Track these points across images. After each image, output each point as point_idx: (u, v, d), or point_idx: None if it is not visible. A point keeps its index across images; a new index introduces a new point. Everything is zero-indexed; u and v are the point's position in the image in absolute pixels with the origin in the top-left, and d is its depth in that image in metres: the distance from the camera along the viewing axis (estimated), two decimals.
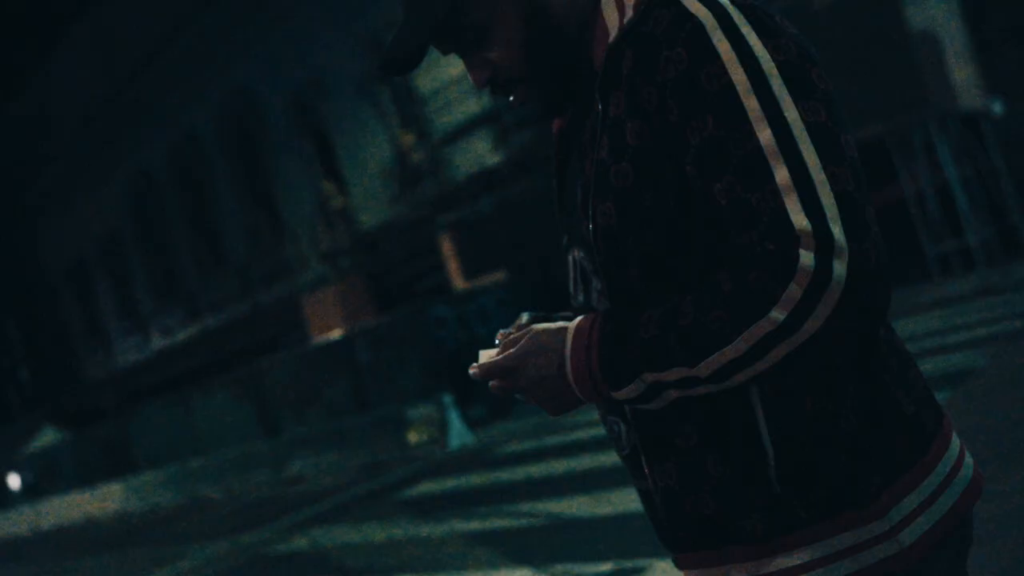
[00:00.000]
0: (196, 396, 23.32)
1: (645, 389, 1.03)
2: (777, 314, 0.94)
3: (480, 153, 20.87)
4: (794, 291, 0.94)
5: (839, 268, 0.93)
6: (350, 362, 17.96)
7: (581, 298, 1.19)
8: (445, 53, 1.18)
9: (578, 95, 1.18)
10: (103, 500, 22.26)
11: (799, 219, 0.95)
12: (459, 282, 19.92)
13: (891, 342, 1.11)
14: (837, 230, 0.94)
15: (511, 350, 1.09)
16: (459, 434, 12.72)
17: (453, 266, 20.46)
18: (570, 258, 1.21)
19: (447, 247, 20.72)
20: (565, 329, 1.08)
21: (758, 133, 0.97)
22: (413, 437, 13.79)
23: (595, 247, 1.09)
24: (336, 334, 20.97)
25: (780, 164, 0.96)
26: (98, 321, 35.86)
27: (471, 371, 1.14)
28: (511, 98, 1.18)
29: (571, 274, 1.21)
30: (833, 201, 0.95)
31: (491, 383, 1.12)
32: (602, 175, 1.08)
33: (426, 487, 9.92)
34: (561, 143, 1.25)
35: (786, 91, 0.99)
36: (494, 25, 1.11)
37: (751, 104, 0.98)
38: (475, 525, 6.98)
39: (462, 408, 13.33)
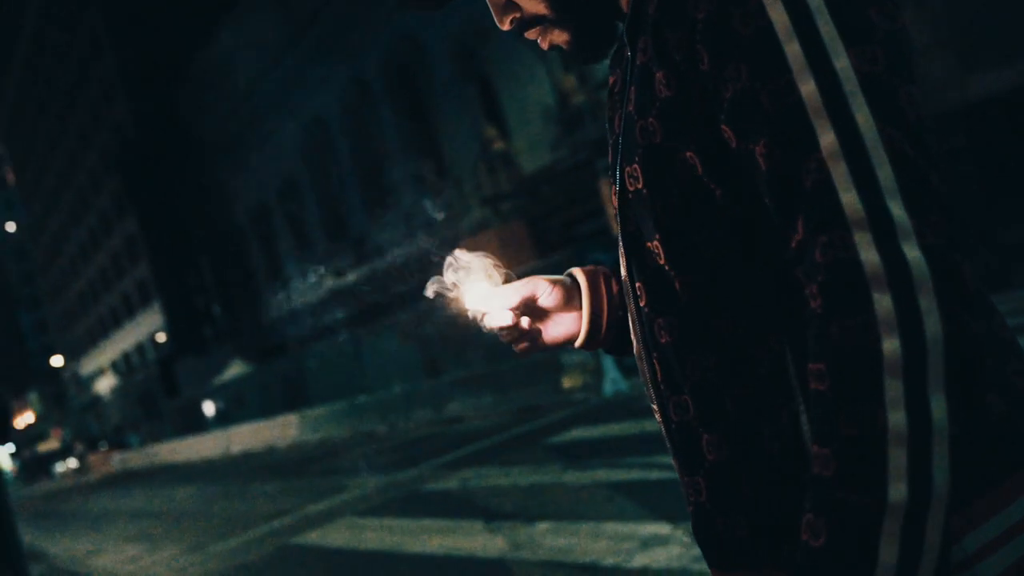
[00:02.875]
0: (364, 335, 24.38)
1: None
2: (889, 344, 0.72)
3: None
4: (883, 302, 0.73)
5: (911, 252, 0.73)
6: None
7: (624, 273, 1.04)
8: None
9: (615, 39, 1.03)
10: (282, 429, 23.81)
11: (849, 198, 0.75)
12: (617, 227, 19.67)
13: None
14: (895, 206, 0.74)
15: None
16: (613, 381, 12.64)
17: (612, 211, 20.23)
18: None
19: (606, 191, 20.45)
20: None
21: (800, 86, 0.78)
22: (567, 382, 13.83)
23: (618, 214, 0.94)
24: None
25: (826, 125, 0.77)
26: (278, 262, 38.00)
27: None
28: (539, 40, 1.03)
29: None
30: (890, 170, 0.75)
31: None
32: (629, 133, 0.92)
33: (576, 433, 9.92)
34: (611, 97, 1.09)
35: (836, 33, 0.78)
36: None
37: (792, 50, 0.78)
38: (620, 475, 6.90)
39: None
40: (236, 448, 26.53)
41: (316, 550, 7.67)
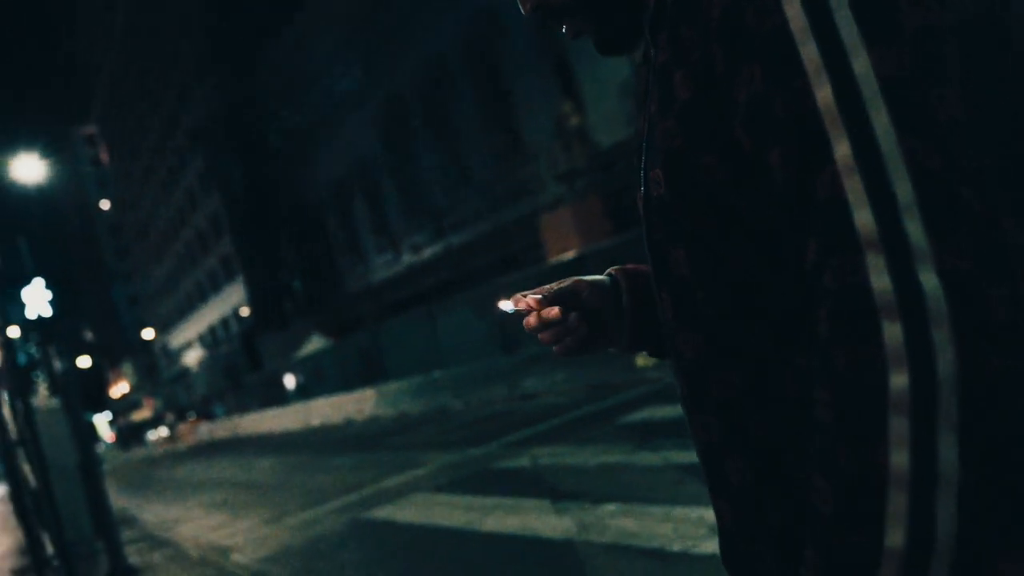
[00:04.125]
0: (440, 311, 24.60)
1: None
2: (897, 380, 0.66)
3: None
4: (892, 333, 0.66)
5: (927, 278, 0.65)
6: None
7: None
8: None
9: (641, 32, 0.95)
10: (359, 403, 24.26)
11: (862, 216, 0.68)
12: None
13: None
14: (913, 225, 0.66)
15: None
16: None
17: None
18: None
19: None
20: None
21: (815, 91, 0.70)
22: (641, 361, 13.69)
23: (643, 220, 0.89)
24: (570, 255, 21.15)
25: (840, 134, 0.69)
26: (356, 238, 38.59)
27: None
28: (565, 29, 0.97)
29: None
30: (909, 186, 0.67)
31: None
32: (652, 135, 0.86)
33: (647, 412, 9.81)
34: (638, 96, 1.03)
35: (857, 32, 0.70)
36: None
37: (808, 51, 0.71)
38: (692, 457, 6.73)
39: None
40: (315, 421, 27.17)
41: (388, 525, 7.78)
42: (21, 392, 5.55)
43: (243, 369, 50.78)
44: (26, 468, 6.76)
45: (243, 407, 45.48)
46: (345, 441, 18.63)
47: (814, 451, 0.72)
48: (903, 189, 0.67)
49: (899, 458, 0.66)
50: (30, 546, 5.96)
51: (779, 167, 0.73)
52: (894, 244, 0.67)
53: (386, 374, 25.92)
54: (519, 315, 1.07)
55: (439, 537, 6.80)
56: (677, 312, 0.87)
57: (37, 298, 10.79)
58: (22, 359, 15.69)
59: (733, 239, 0.81)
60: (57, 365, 9.02)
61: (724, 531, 0.89)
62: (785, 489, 0.81)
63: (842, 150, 0.69)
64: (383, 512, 8.39)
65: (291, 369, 38.41)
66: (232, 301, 55.75)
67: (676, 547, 4.68)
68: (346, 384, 29.01)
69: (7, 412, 7.88)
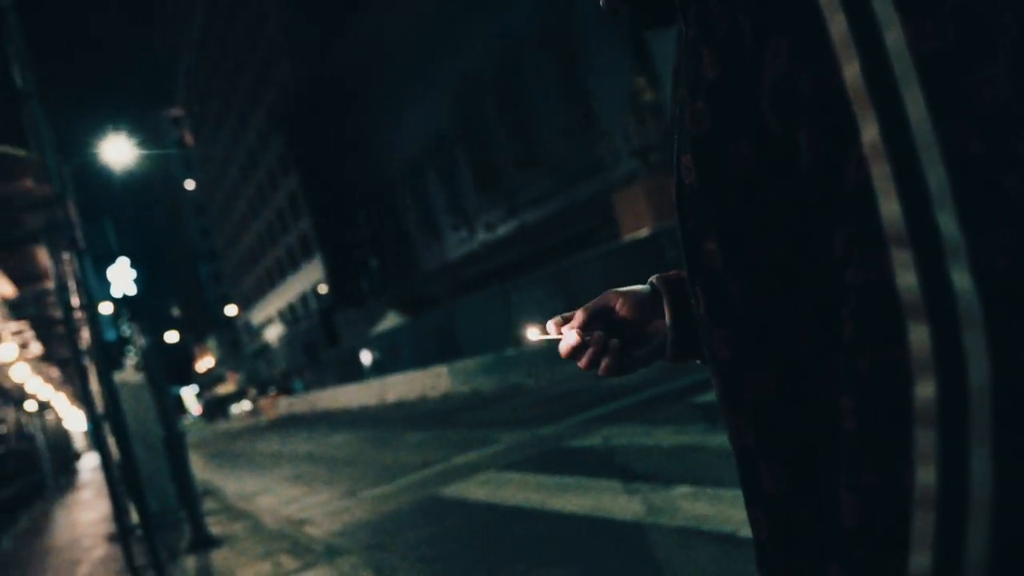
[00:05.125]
0: (513, 289, 24.63)
1: None
2: (923, 389, 0.59)
3: None
4: (919, 337, 0.59)
5: (959, 276, 0.58)
6: (658, 260, 17.86)
7: None
8: None
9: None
10: (433, 380, 24.52)
11: (889, 207, 0.60)
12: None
13: None
14: (945, 218, 0.59)
15: None
16: None
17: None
18: None
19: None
20: None
21: (843, 67, 0.63)
22: None
23: (676, 209, 0.82)
24: (644, 232, 20.90)
25: (869, 115, 0.62)
26: (431, 216, 38.87)
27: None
28: (600, 2, 0.90)
29: None
30: (943, 173, 0.59)
31: None
32: (682, 117, 0.80)
33: None
34: (674, 76, 0.95)
35: (891, 1, 0.62)
36: None
37: (836, 22, 0.63)
38: None
39: None
40: (390, 397, 27.58)
41: (458, 502, 7.83)
42: (105, 367, 5.73)
43: (321, 345, 51.87)
44: (111, 441, 7.01)
45: (321, 382, 46.50)
46: (419, 417, 18.86)
47: (841, 461, 0.66)
48: (936, 177, 0.60)
49: (926, 475, 0.59)
50: (116, 515, 6.18)
51: (806, 152, 0.66)
52: (923, 238, 0.60)
53: (460, 351, 26.12)
54: (550, 344, 1.03)
55: (508, 516, 6.81)
56: (710, 308, 0.81)
57: (122, 277, 11.15)
58: (112, 335, 16.31)
59: (766, 231, 0.73)
60: (142, 341, 9.31)
61: (759, 542, 0.82)
62: (821, 500, 0.74)
63: (870, 133, 0.62)
64: (454, 489, 8.45)
65: (367, 345, 39.05)
66: (311, 278, 56.89)
67: (748, 533, 4.57)
68: (420, 361, 29.35)
69: (95, 387, 8.18)
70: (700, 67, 0.76)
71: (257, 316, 75.83)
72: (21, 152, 5.72)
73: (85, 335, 8.48)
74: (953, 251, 0.59)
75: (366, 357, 39.08)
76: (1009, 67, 0.61)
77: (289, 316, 64.75)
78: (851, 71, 0.63)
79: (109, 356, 7.02)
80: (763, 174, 0.72)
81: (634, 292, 1.02)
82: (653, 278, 1.03)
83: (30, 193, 5.91)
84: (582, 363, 0.99)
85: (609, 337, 0.99)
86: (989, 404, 0.57)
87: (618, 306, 1.01)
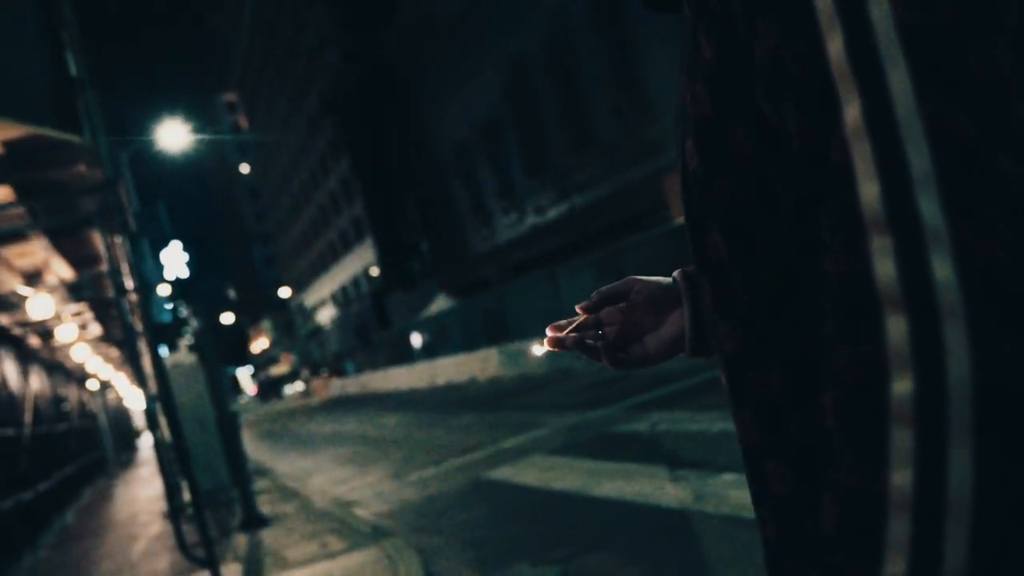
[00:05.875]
0: (563, 272, 24.56)
1: None
2: (900, 385, 0.55)
3: None
4: (896, 330, 0.55)
5: (940, 265, 0.53)
6: None
7: None
8: None
9: None
10: (482, 363, 24.60)
11: (869, 190, 0.56)
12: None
13: None
14: (928, 202, 0.54)
15: None
16: None
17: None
18: None
19: None
20: None
21: (827, 41, 0.58)
22: None
23: (682, 197, 0.79)
24: None
25: (852, 93, 0.57)
26: (481, 199, 38.89)
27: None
28: None
29: None
30: (927, 154, 0.54)
31: None
32: (684, 102, 0.76)
33: None
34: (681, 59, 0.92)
35: None
36: None
37: None
38: None
39: None
40: (440, 379, 27.76)
41: (505, 486, 7.84)
42: (155, 349, 5.85)
43: (372, 327, 52.42)
44: (163, 421, 7.16)
45: (372, 364, 47.02)
46: (468, 400, 18.95)
47: (826, 461, 0.63)
48: (919, 158, 0.56)
49: (902, 477, 0.55)
50: (167, 494, 6.31)
51: (796, 136, 0.62)
52: (903, 224, 0.55)
53: (509, 334, 26.16)
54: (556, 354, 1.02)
55: (554, 500, 6.79)
56: (715, 300, 0.77)
57: (176, 260, 11.36)
58: (168, 317, 16.67)
59: (767, 219, 0.69)
60: (194, 323, 9.48)
61: (766, 542, 0.78)
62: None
63: (852, 112, 0.57)
64: (501, 473, 8.47)
65: (418, 328, 39.35)
66: (362, 261, 57.45)
67: None
68: (470, 344, 29.47)
69: (149, 368, 8.34)
70: (699, 48, 0.72)
71: (310, 298, 76.88)
72: (75, 138, 5.83)
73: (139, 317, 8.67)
74: (935, 238, 0.55)
75: (416, 340, 39.39)
76: (1007, 41, 0.57)
77: (341, 298, 65.51)
78: (835, 46, 0.59)
79: (159, 338, 7.15)
80: (761, 161, 0.68)
81: (654, 283, 0.99)
82: (677, 272, 0.99)
83: (84, 178, 6.03)
84: (589, 354, 0.99)
85: (598, 329, 0.99)
86: (969, 402, 0.53)
87: (633, 293, 0.98)
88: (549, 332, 1.00)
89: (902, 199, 0.56)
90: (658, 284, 0.98)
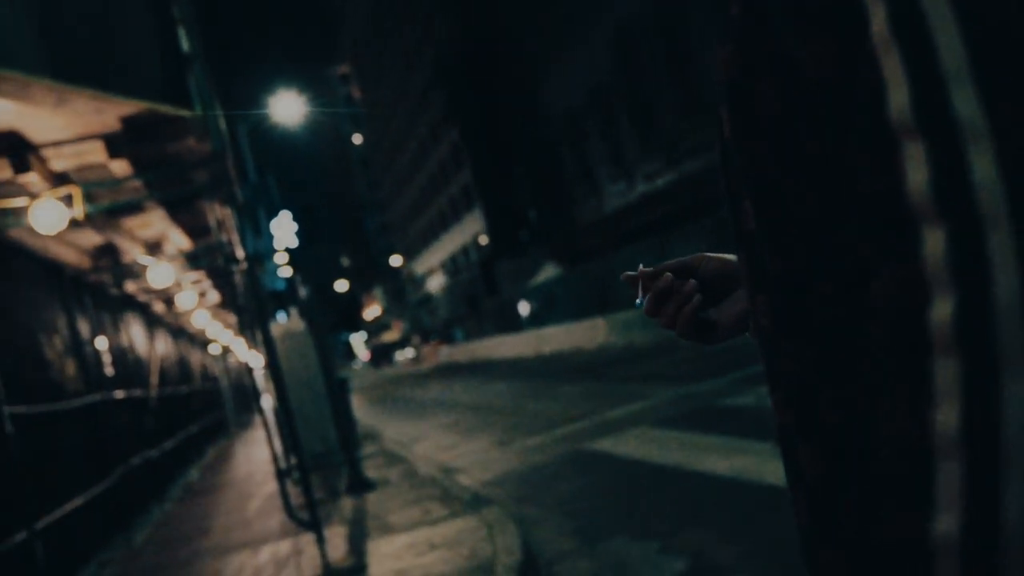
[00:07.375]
0: (672, 241, 24.13)
1: None
2: (941, 308, 0.46)
3: None
4: (934, 245, 0.47)
5: (982, 165, 0.47)
6: None
7: None
8: None
9: None
10: (589, 332, 24.51)
11: (898, 96, 0.49)
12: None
13: None
14: (962, 98, 0.48)
15: None
16: None
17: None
18: None
19: None
20: None
21: None
22: None
23: (720, 166, 0.72)
24: None
25: (877, 4, 0.50)
26: (589, 167, 38.56)
27: None
28: None
29: None
30: (959, 45, 0.48)
31: None
32: (719, 66, 0.70)
33: None
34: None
35: None
36: None
37: None
38: None
39: None
40: (547, 348, 27.82)
41: (607, 457, 7.78)
42: (263, 317, 6.02)
43: (481, 295, 52.95)
44: (270, 387, 7.39)
45: (480, 332, 47.56)
46: (573, 369, 18.92)
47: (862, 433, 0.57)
48: (951, 52, 0.48)
49: (947, 417, 0.46)
50: (274, 458, 6.53)
51: (821, 68, 0.54)
52: (935, 124, 0.48)
53: (617, 304, 25.94)
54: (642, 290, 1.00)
55: (656, 473, 6.69)
56: (751, 273, 0.71)
57: (286, 229, 11.67)
58: (281, 285, 17.22)
59: (797, 183, 0.61)
60: (303, 291, 9.74)
61: (800, 528, 0.70)
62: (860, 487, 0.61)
63: (878, 20, 0.50)
64: (603, 444, 8.40)
65: (525, 296, 39.50)
66: (471, 230, 57.96)
67: None
68: (577, 313, 29.39)
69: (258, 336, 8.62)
70: (728, 4, 0.67)
71: (420, 266, 78.23)
72: (187, 113, 6.00)
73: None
74: (974, 136, 0.47)
75: (524, 308, 39.57)
76: None
77: (451, 266, 66.38)
78: None
79: (273, 305, 7.36)
80: (789, 116, 0.60)
81: (724, 259, 0.96)
82: None
83: (194, 151, 6.22)
84: (664, 321, 0.96)
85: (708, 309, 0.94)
86: (1021, 320, 0.45)
87: (702, 267, 0.95)
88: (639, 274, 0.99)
89: (934, 98, 0.49)
90: (728, 260, 0.95)
